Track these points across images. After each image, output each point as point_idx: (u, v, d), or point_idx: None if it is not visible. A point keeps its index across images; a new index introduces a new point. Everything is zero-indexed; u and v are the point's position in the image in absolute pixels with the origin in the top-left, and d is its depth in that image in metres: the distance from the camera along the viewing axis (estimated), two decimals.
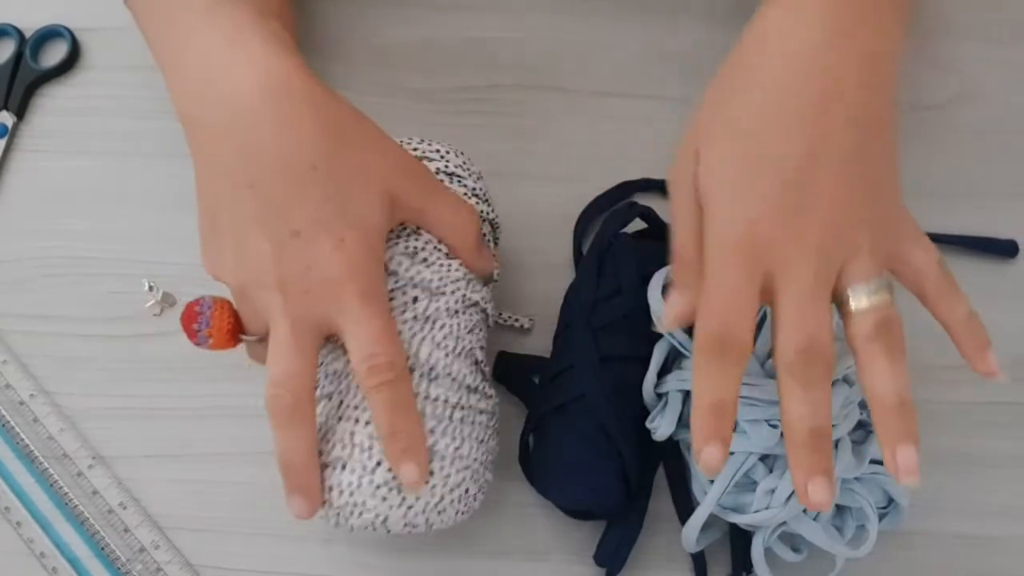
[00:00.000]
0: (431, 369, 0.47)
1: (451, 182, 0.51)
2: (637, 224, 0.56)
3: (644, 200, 0.58)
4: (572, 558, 0.53)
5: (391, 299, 0.48)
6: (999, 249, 0.59)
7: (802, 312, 0.41)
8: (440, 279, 0.49)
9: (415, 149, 0.51)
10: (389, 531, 0.48)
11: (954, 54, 0.63)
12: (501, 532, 0.54)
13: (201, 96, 0.47)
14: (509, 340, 0.57)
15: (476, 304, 0.50)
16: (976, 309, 0.45)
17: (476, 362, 0.50)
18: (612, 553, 0.51)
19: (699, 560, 0.52)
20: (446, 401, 0.47)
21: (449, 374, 0.48)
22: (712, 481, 0.48)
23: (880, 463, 0.43)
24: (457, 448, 0.47)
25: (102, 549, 0.54)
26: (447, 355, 0.48)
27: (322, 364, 0.49)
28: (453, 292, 0.49)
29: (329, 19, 0.66)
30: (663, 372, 0.52)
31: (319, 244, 0.44)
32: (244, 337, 0.47)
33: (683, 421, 0.50)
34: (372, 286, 0.45)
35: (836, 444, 0.47)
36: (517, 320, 0.57)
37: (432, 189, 0.49)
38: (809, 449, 0.41)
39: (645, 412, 0.52)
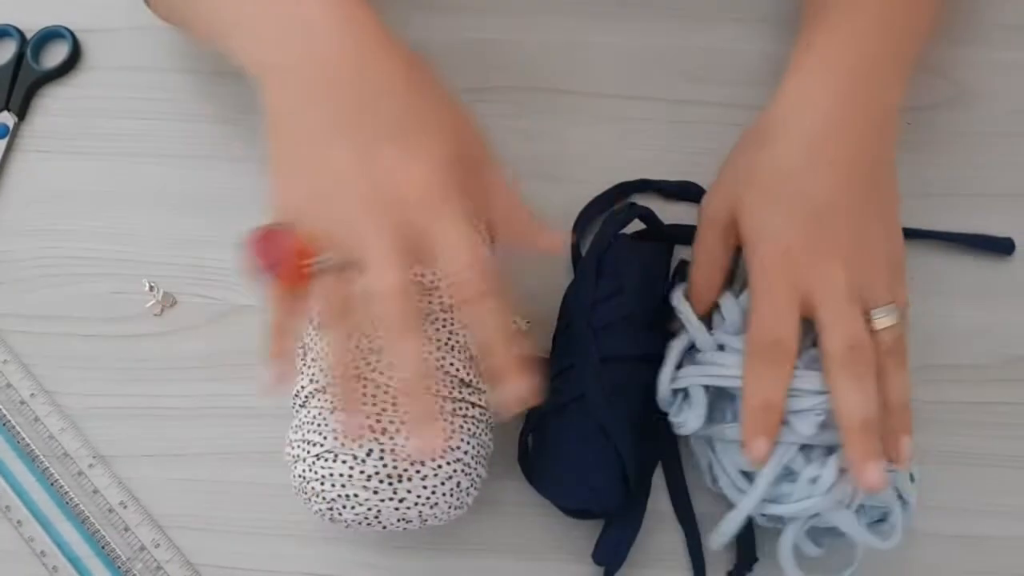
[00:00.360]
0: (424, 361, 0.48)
1: None
2: (636, 224, 0.56)
3: (642, 201, 0.59)
4: (570, 557, 0.53)
5: None
6: (996, 247, 0.59)
7: (843, 315, 0.48)
8: (434, 274, 0.49)
9: None
10: (383, 526, 0.48)
11: (947, 57, 0.64)
12: (500, 531, 0.54)
13: (280, 40, 0.47)
14: None
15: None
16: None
17: (470, 357, 0.50)
18: (611, 552, 0.51)
19: (697, 558, 0.52)
20: (437, 393, 0.48)
21: (441, 367, 0.48)
22: (745, 475, 0.49)
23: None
24: (448, 440, 0.47)
25: (102, 548, 0.54)
26: (439, 349, 0.48)
27: (317, 359, 0.49)
28: (447, 288, 0.49)
29: None
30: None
31: (409, 152, 0.44)
32: (318, 261, 0.43)
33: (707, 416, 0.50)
34: (456, 199, 0.44)
35: None
36: (515, 322, 0.57)
37: (487, 148, 0.49)
38: (864, 435, 0.46)
39: (644, 412, 0.53)
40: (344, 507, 0.47)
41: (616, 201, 0.60)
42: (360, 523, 0.48)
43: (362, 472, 0.46)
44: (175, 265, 0.60)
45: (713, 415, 0.51)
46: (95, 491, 0.55)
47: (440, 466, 0.47)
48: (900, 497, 0.49)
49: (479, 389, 0.50)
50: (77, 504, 0.55)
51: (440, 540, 0.53)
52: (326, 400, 0.48)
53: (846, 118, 0.50)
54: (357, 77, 0.45)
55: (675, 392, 0.52)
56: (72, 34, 0.66)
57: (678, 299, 0.52)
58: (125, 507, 0.55)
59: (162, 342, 0.58)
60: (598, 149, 0.62)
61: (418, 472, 0.47)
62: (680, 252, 0.57)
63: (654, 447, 0.54)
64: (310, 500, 0.48)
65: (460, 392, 0.48)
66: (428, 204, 0.43)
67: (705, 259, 0.52)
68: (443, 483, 0.47)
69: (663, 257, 0.56)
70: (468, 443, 0.48)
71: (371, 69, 0.46)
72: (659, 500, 0.54)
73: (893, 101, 0.52)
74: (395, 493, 0.47)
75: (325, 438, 0.47)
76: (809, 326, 0.49)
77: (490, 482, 0.51)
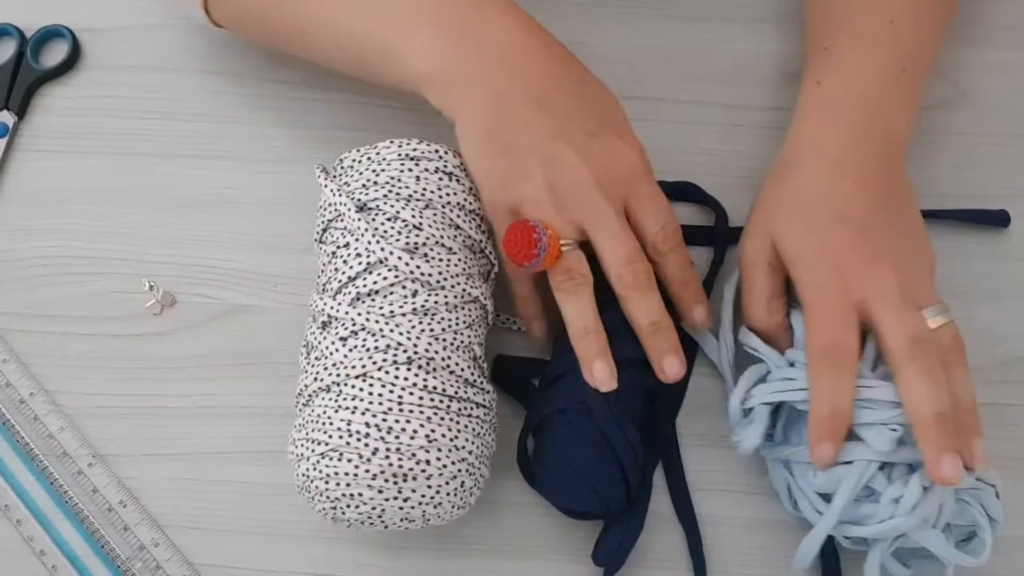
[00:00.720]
0: (429, 361, 0.48)
1: (450, 182, 0.51)
2: None
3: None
4: (570, 558, 0.53)
5: (391, 293, 0.48)
6: (991, 220, 0.60)
7: (899, 314, 0.48)
8: (440, 274, 0.49)
9: (414, 149, 0.51)
10: (386, 525, 0.48)
11: (947, 57, 0.64)
12: (499, 532, 0.54)
13: (457, 52, 0.51)
14: (508, 342, 0.57)
15: (476, 300, 0.50)
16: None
17: (474, 357, 0.50)
18: (611, 553, 0.51)
19: (698, 559, 0.52)
20: (443, 392, 0.48)
21: (447, 366, 0.48)
22: (824, 497, 0.49)
23: (979, 479, 0.48)
24: (453, 439, 0.47)
25: (102, 547, 0.54)
26: (445, 347, 0.48)
27: (321, 357, 0.49)
28: (452, 287, 0.49)
29: None
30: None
31: (612, 140, 0.51)
32: (564, 243, 0.50)
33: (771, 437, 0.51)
34: (649, 170, 0.53)
35: None
36: (515, 323, 0.57)
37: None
38: (939, 428, 0.46)
39: (645, 414, 0.53)
40: (348, 506, 0.47)
41: None
42: (363, 522, 0.48)
43: (367, 471, 0.46)
44: (175, 264, 0.60)
45: (790, 437, 0.51)
46: (94, 490, 0.55)
47: (445, 465, 0.47)
48: (987, 514, 0.49)
49: (483, 389, 0.50)
50: (76, 503, 0.55)
51: (440, 540, 0.54)
52: (330, 399, 0.48)
53: (857, 151, 0.53)
54: (552, 77, 0.52)
55: (745, 412, 0.52)
56: (72, 33, 0.66)
57: (746, 335, 0.53)
58: (124, 506, 0.55)
59: (162, 341, 0.58)
60: None
61: (423, 471, 0.47)
62: None
63: (655, 449, 0.54)
64: (313, 499, 0.48)
65: (465, 391, 0.48)
66: (639, 180, 0.52)
67: (761, 297, 0.53)
68: (448, 482, 0.47)
69: None
70: (472, 443, 0.48)
71: (560, 64, 0.52)
72: (659, 501, 0.54)
73: (901, 130, 0.54)
74: (400, 492, 0.47)
75: (330, 437, 0.47)
76: (866, 340, 0.49)
77: (490, 482, 0.51)
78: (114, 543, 0.54)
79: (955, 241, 0.59)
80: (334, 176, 0.53)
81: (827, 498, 0.49)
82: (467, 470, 0.48)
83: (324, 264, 0.52)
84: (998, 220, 0.60)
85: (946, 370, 0.48)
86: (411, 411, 0.47)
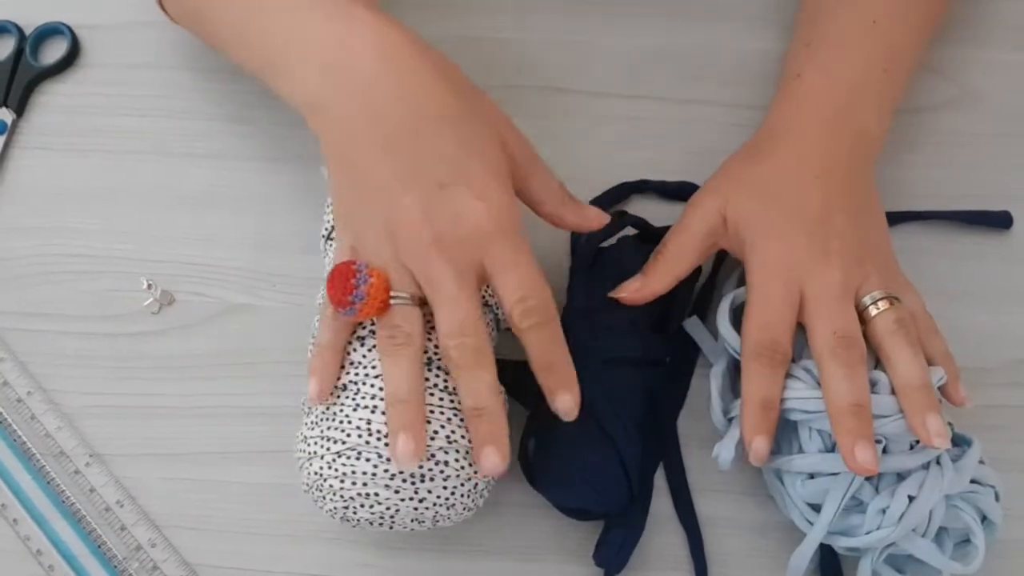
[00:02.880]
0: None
1: None
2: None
3: (641, 200, 0.58)
4: (570, 558, 0.53)
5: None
6: (993, 221, 0.60)
7: (833, 309, 0.49)
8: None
9: None
10: (394, 525, 0.48)
11: (948, 57, 0.64)
12: (500, 532, 0.54)
13: (321, 80, 0.48)
14: (509, 342, 0.57)
15: (486, 303, 0.50)
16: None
17: None
18: (613, 554, 0.51)
19: (699, 561, 0.52)
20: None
21: None
22: (814, 507, 0.49)
23: (976, 482, 0.49)
24: (471, 441, 0.47)
25: (99, 547, 0.54)
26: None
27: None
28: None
29: None
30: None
31: (464, 194, 0.46)
32: (394, 296, 0.46)
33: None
34: (517, 231, 0.47)
35: (938, 460, 0.48)
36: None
37: (531, 150, 0.51)
38: (853, 417, 0.47)
39: (646, 414, 0.52)
40: (362, 505, 0.47)
41: (616, 201, 0.60)
42: (373, 523, 0.48)
43: (386, 471, 0.46)
44: (173, 263, 0.60)
45: (780, 446, 0.51)
46: (91, 490, 0.55)
47: (463, 467, 0.47)
48: (985, 517, 0.49)
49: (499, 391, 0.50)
50: (73, 503, 0.55)
51: (441, 541, 0.53)
52: (347, 397, 0.48)
53: (829, 144, 0.53)
54: (404, 113, 0.47)
55: (730, 420, 0.52)
56: (71, 30, 0.66)
57: (725, 326, 0.52)
58: (121, 506, 0.55)
59: (160, 340, 0.58)
60: (598, 149, 0.62)
61: (441, 472, 0.46)
62: None
63: (656, 449, 0.54)
64: (324, 498, 0.48)
65: None
66: (492, 240, 0.46)
67: (683, 236, 0.52)
68: (463, 484, 0.47)
69: None
70: (450, 440, 0.48)
71: (417, 97, 0.48)
72: (660, 502, 0.54)
73: (875, 129, 0.55)
74: (416, 493, 0.46)
75: (348, 435, 0.47)
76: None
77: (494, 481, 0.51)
78: (111, 543, 0.54)
79: (957, 243, 0.59)
80: None
81: (816, 508, 0.49)
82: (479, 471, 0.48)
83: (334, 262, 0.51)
84: (1001, 222, 0.60)
85: (886, 359, 0.48)
86: (432, 412, 0.47)
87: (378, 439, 0.46)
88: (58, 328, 0.59)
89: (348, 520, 0.48)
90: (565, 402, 0.47)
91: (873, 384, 0.49)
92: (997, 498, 0.49)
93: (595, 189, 0.60)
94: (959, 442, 0.50)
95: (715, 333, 0.56)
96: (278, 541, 0.54)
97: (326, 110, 0.48)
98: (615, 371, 0.51)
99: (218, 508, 0.55)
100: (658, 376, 0.54)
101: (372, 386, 0.47)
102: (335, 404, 0.48)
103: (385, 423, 0.46)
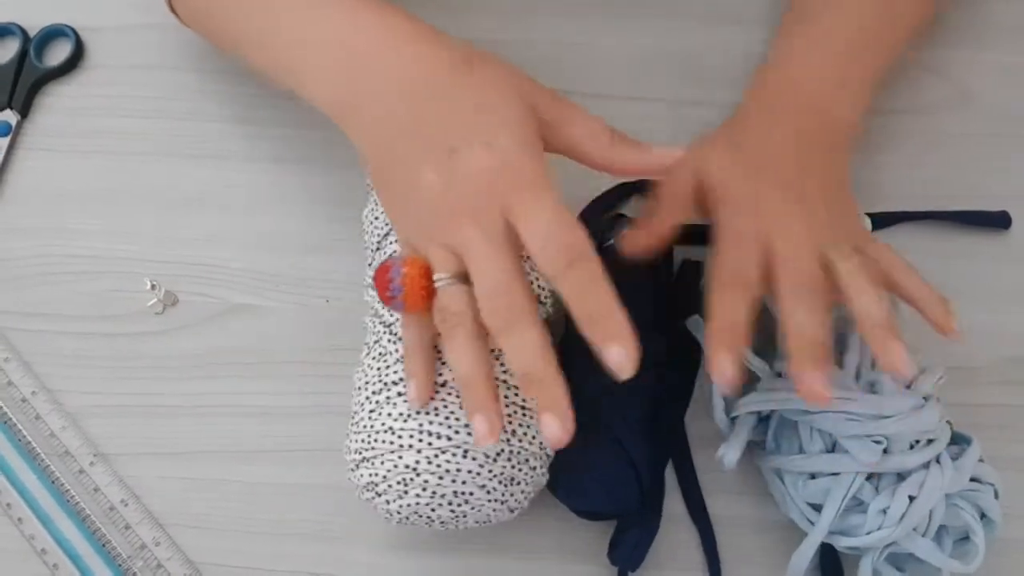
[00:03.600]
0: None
1: None
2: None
3: (641, 201, 0.58)
4: (581, 558, 0.53)
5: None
6: (992, 222, 0.60)
7: (801, 255, 0.47)
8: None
9: None
10: (458, 526, 0.47)
11: (948, 58, 0.64)
12: (509, 531, 0.53)
13: (344, 78, 0.49)
14: None
15: (538, 298, 0.50)
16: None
17: None
18: (628, 554, 0.51)
19: (713, 559, 0.52)
20: (515, 402, 0.48)
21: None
22: (813, 506, 0.49)
23: (976, 480, 0.48)
24: (543, 445, 0.47)
25: (103, 546, 0.54)
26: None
27: (372, 369, 0.49)
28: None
29: None
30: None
31: (473, 151, 0.44)
32: (437, 279, 0.44)
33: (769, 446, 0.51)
34: (535, 174, 0.44)
35: (937, 459, 0.48)
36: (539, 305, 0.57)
37: (560, 97, 0.49)
38: (811, 347, 0.45)
39: (654, 413, 0.52)
40: (449, 503, 0.45)
41: (616, 202, 0.60)
42: (445, 523, 0.47)
43: (490, 471, 0.45)
44: (177, 263, 0.60)
45: (780, 446, 0.51)
46: (96, 489, 0.55)
47: (542, 473, 0.47)
48: (984, 515, 0.49)
49: None
50: (78, 502, 0.55)
51: (444, 540, 0.53)
52: (452, 394, 0.47)
53: (806, 129, 0.53)
54: (411, 92, 0.47)
55: (732, 420, 0.52)
56: (75, 32, 0.66)
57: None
58: (126, 505, 0.55)
59: (163, 340, 0.59)
60: None
61: (527, 476, 0.46)
62: (681, 253, 0.57)
63: (665, 448, 0.54)
64: (407, 492, 0.46)
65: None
66: (512, 189, 0.44)
67: (675, 184, 0.52)
68: (534, 489, 0.47)
69: (667, 258, 0.56)
70: (542, 447, 0.48)
71: (422, 73, 0.47)
72: (672, 501, 0.54)
73: (851, 117, 0.55)
74: (502, 495, 0.46)
75: (456, 432, 0.45)
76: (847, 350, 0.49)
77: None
78: (115, 542, 0.54)
79: (955, 243, 0.59)
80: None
81: (817, 508, 0.49)
82: (543, 473, 0.48)
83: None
84: (999, 222, 0.60)
85: (847, 299, 0.46)
86: (531, 418, 0.47)
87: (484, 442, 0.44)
88: (62, 328, 0.59)
89: (419, 516, 0.47)
90: (615, 355, 0.41)
91: (873, 384, 0.49)
92: (996, 496, 0.49)
93: (595, 190, 0.60)
94: (958, 440, 0.50)
95: None
96: (281, 540, 0.54)
97: (355, 109, 0.48)
98: None
99: (222, 507, 0.55)
100: (662, 376, 0.54)
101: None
102: (435, 398, 0.46)
103: (441, 422, 0.45)
